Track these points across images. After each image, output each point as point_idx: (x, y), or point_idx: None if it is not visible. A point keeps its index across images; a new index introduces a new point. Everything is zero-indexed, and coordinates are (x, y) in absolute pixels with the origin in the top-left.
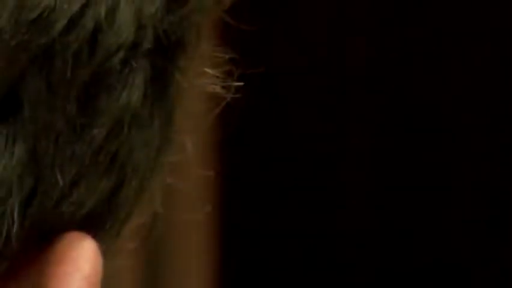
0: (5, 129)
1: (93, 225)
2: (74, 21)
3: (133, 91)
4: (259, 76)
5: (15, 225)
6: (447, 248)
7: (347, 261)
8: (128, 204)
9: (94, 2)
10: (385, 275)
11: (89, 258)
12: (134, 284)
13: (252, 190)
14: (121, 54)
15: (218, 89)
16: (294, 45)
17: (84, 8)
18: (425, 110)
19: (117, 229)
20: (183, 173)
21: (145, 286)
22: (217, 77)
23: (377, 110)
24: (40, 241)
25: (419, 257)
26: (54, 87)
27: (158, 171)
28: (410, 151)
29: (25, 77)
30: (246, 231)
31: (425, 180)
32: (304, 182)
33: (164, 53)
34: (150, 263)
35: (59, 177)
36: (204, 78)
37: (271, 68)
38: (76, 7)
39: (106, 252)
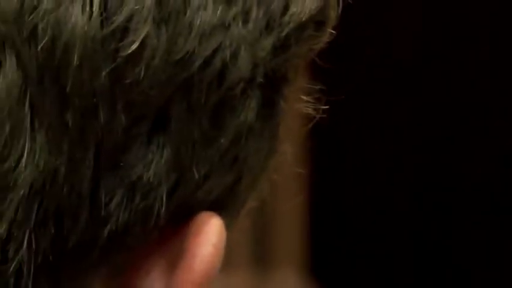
0: (157, 138)
1: (218, 208)
2: (208, 62)
3: (249, 112)
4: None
5: (163, 207)
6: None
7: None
8: (244, 194)
9: (222, 48)
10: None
11: (216, 231)
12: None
13: (333, 185)
14: (241, 85)
15: (310, 110)
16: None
17: (215, 52)
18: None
19: (236, 211)
20: (283, 171)
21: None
22: (309, 101)
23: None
24: (181, 219)
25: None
26: (193, 108)
27: (266, 170)
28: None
29: (172, 100)
30: (328, 215)
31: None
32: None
33: (271, 85)
34: (258, 236)
35: (195, 173)
36: (300, 103)
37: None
38: (209, 51)
39: (228, 227)
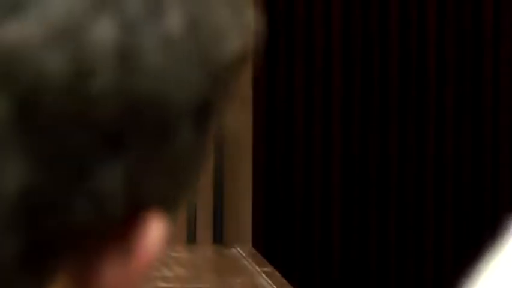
0: (116, 161)
1: (163, 205)
2: (155, 101)
3: (188, 133)
4: None
5: (120, 209)
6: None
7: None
8: (184, 196)
9: (170, 88)
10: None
11: (158, 233)
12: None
13: (284, 174)
14: (182, 114)
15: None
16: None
17: (165, 92)
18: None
19: (177, 209)
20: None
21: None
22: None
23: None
24: (133, 217)
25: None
26: (145, 137)
27: (201, 176)
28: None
29: (128, 132)
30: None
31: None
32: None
33: (205, 111)
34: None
35: (145, 185)
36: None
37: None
38: (161, 92)
39: (172, 220)
